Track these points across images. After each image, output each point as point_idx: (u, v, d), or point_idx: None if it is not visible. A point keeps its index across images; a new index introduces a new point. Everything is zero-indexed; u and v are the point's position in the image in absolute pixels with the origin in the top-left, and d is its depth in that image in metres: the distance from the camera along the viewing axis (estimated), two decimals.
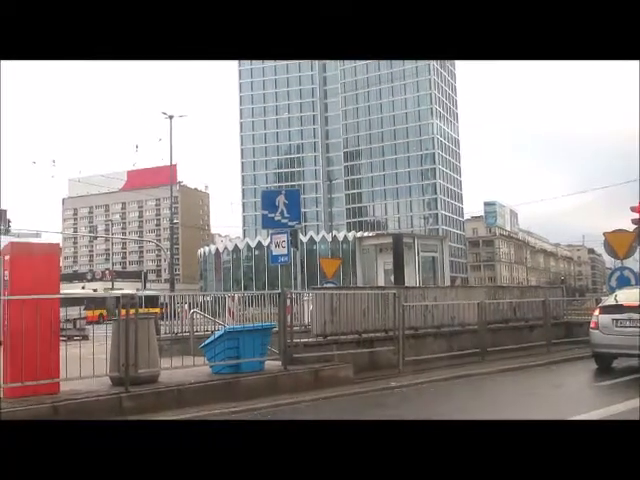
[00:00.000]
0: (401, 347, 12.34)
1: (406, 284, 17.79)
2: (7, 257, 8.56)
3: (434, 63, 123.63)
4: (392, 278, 19.64)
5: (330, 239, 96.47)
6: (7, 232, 59.70)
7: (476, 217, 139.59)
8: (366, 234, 67.83)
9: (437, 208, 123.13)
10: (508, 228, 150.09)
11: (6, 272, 8.52)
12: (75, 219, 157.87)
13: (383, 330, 13.03)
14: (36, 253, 8.75)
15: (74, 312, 26.26)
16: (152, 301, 25.41)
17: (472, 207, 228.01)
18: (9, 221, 68.10)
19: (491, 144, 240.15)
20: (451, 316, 14.77)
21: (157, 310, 28.65)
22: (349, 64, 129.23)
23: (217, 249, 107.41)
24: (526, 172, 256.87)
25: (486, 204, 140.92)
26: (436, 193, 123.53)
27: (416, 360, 12.54)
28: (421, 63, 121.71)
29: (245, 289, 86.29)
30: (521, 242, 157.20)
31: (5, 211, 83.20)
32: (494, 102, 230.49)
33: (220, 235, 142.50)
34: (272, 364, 10.66)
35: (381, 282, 20.55)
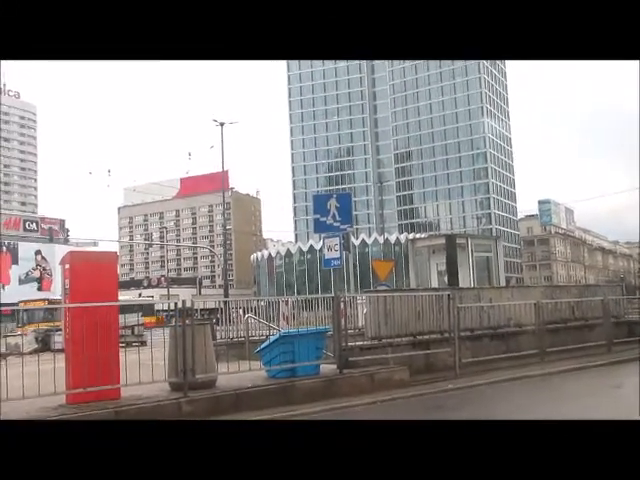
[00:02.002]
0: (457, 349, 12.19)
1: (460, 285, 17.58)
2: (67, 266, 8.78)
3: (484, 61, 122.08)
4: (446, 279, 19.42)
5: (382, 241, 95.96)
6: (66, 241, 61.35)
7: (530, 216, 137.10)
8: (418, 236, 67.35)
9: (490, 208, 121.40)
10: (564, 226, 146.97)
11: (67, 280, 8.73)
12: (131, 227, 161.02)
13: (438, 332, 12.90)
14: (95, 261, 8.96)
15: (132, 319, 26.76)
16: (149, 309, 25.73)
17: (526, 206, 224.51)
18: (68, 231, 70.02)
19: (545, 141, 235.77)
20: (507, 317, 14.53)
21: (153, 319, 28.96)
22: (397, 65, 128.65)
23: (270, 254, 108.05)
24: (582, 168, 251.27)
25: (540, 202, 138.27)
26: (489, 192, 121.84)
27: (473, 362, 12.36)
28: (470, 61, 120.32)
29: (298, 293, 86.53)
30: (578, 240, 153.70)
31: (64, 221, 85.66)
32: (546, 98, 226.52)
33: (272, 240, 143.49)
34: (327, 368, 10.66)
35: (435, 284, 20.33)
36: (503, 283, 23.13)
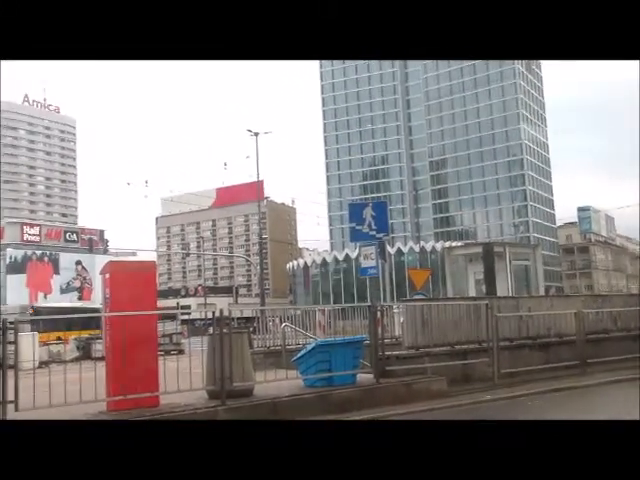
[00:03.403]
0: (495, 359, 12.05)
1: (498, 294, 17.41)
2: (107, 275, 8.92)
3: (519, 66, 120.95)
4: (483, 288, 19.28)
5: (418, 250, 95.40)
6: (105, 251, 62.18)
7: (569, 223, 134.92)
8: (455, 244, 66.82)
9: (527, 215, 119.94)
10: (604, 234, 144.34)
11: (107, 290, 8.87)
12: (168, 237, 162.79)
13: (476, 342, 12.78)
14: (134, 271, 9.09)
15: (171, 327, 27.06)
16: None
17: (565, 213, 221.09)
18: (107, 241, 70.96)
19: (583, 146, 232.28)
20: (547, 327, 14.31)
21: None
22: (432, 72, 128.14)
23: (305, 263, 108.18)
24: (622, 174, 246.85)
25: (580, 209, 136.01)
26: (526, 200, 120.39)
27: (512, 372, 12.20)
28: (505, 67, 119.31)
29: (334, 302, 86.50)
30: (619, 248, 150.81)
31: (103, 231, 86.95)
32: (583, 102, 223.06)
33: (308, 249, 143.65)
34: (364, 377, 10.63)
35: (472, 292, 20.20)
36: (542, 292, 22.85)
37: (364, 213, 14.61)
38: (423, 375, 11.14)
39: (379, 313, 11.48)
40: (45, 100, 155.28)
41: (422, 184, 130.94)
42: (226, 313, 9.35)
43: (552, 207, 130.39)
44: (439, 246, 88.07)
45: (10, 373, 7.64)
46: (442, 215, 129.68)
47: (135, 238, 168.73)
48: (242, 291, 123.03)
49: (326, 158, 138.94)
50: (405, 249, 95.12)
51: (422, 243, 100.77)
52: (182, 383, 8.63)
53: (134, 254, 65.46)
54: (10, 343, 7.89)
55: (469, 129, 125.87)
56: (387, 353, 11.22)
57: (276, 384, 9.76)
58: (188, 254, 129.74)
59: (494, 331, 12.28)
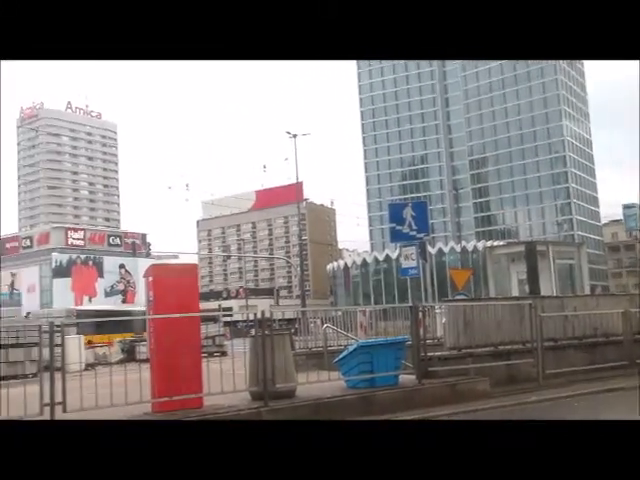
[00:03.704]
0: (540, 359, 11.88)
1: (542, 294, 17.16)
2: (151, 278, 9.04)
3: (561, 62, 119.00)
4: (526, 288, 19.02)
5: (459, 250, 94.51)
6: (148, 255, 63.05)
7: (615, 221, 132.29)
8: (496, 243, 66.00)
9: (571, 213, 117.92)
10: None
11: (151, 293, 8.99)
12: (209, 240, 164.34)
13: (520, 342, 12.61)
14: (177, 274, 9.18)
15: (213, 329, 27.30)
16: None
17: (609, 210, 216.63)
18: (149, 244, 71.99)
19: (627, 142, 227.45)
20: (593, 327, 14.03)
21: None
22: (470, 70, 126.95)
23: (345, 264, 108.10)
24: None
25: (625, 207, 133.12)
26: (569, 197, 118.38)
27: (557, 373, 12.01)
28: (546, 63, 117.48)
29: (375, 303, 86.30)
30: None
31: (145, 235, 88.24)
32: (625, 96, 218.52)
33: (348, 250, 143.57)
34: (407, 378, 10.58)
35: (515, 292, 19.95)
36: (587, 291, 22.42)
37: (404, 213, 14.52)
38: (466, 376, 11.03)
39: (421, 314, 11.42)
40: (87, 106, 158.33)
41: (462, 183, 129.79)
42: (268, 315, 9.39)
43: (596, 205, 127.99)
44: (480, 245, 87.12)
45: (57, 375, 7.80)
46: (483, 214, 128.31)
47: (176, 241, 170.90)
48: (283, 293, 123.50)
49: (365, 158, 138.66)
50: (446, 249, 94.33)
51: (463, 243, 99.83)
52: (225, 384, 8.71)
53: (176, 257, 66.13)
54: (57, 346, 8.04)
55: (510, 126, 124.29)
56: (429, 354, 11.14)
57: (318, 385, 9.78)
58: (229, 256, 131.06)
59: (538, 331, 12.10)
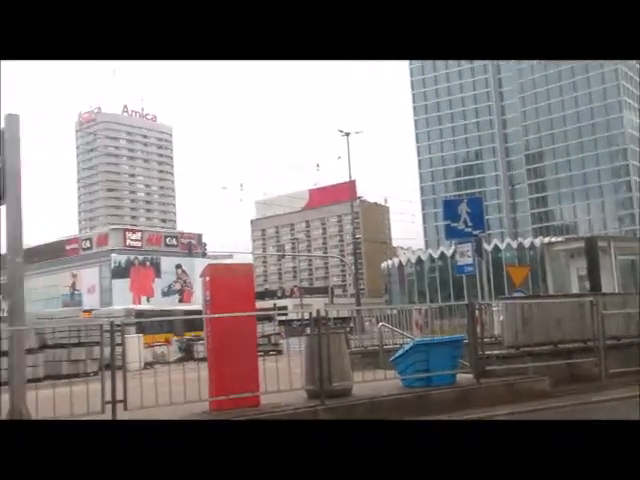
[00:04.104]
0: (602, 358, 11.57)
1: (603, 290, 16.72)
2: (208, 278, 9.16)
3: None
4: (587, 285, 18.58)
5: (515, 246, 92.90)
6: (204, 255, 63.89)
7: None
8: (555, 239, 64.67)
9: (633, 207, 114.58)
10: None
11: (207, 292, 9.11)
12: (263, 239, 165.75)
13: (581, 340, 12.31)
14: (233, 273, 9.28)
15: (269, 328, 27.51)
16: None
17: None
18: (205, 244, 72.93)
19: None
20: None
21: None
22: (526, 63, 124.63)
23: (400, 262, 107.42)
24: None
25: None
26: (631, 191, 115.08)
27: (621, 372, 11.66)
28: None
29: (430, 301, 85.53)
30: None
31: (201, 235, 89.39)
32: None
33: (402, 248, 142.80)
34: (464, 377, 10.45)
35: (574, 289, 19.52)
36: None
37: (459, 210, 14.35)
38: (525, 375, 10.84)
39: (477, 311, 11.26)
40: (143, 110, 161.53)
41: (518, 178, 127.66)
42: (323, 313, 9.40)
43: None
44: (538, 242, 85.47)
45: (118, 374, 7.97)
46: (540, 210, 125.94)
47: (231, 241, 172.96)
48: (337, 291, 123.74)
49: (418, 155, 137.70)
50: (502, 245, 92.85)
51: (520, 239, 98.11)
52: (282, 383, 8.75)
53: (231, 257, 66.92)
54: (117, 345, 8.21)
55: (567, 119, 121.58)
56: (487, 352, 10.98)
57: (374, 384, 9.74)
58: (283, 255, 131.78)
59: (600, 329, 11.80)
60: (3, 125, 8.59)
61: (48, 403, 7.68)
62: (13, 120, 8.62)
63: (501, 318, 12.97)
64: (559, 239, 57.76)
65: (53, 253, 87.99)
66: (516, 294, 20.67)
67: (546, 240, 66.70)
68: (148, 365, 18.20)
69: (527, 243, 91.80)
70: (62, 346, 18.35)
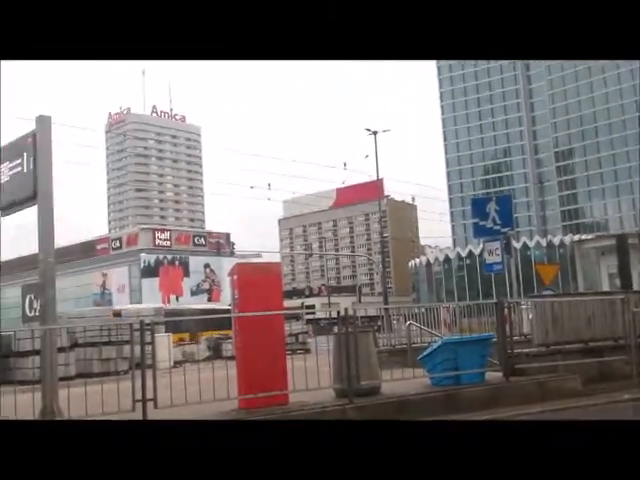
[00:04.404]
0: (633, 356, 11.41)
1: (634, 288, 16.50)
2: (235, 277, 9.22)
3: None
4: (617, 282, 18.35)
5: (545, 244, 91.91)
6: (232, 254, 64.21)
7: None
8: (585, 237, 63.89)
9: None
10: None
11: (235, 291, 9.16)
12: (291, 238, 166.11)
13: (612, 338, 12.16)
14: (261, 272, 9.33)
15: (297, 327, 27.55)
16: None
17: None
18: (233, 244, 73.32)
19: None
20: None
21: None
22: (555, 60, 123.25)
23: (428, 260, 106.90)
24: None
25: None
26: None
27: None
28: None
29: (458, 299, 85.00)
30: None
31: (229, 235, 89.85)
32: None
33: (430, 246, 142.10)
34: (493, 375, 10.38)
35: (605, 287, 19.30)
36: None
37: (487, 208, 14.25)
38: (555, 373, 10.74)
39: (506, 310, 11.18)
40: (171, 110, 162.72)
41: (547, 176, 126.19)
42: (351, 312, 9.41)
43: None
44: (568, 239, 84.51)
45: (148, 373, 8.05)
46: (570, 207, 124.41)
47: (259, 240, 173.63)
48: (365, 290, 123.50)
49: (446, 154, 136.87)
50: (531, 243, 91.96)
51: (549, 237, 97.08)
52: (310, 382, 8.77)
53: (259, 255, 67.16)
54: (147, 344, 8.29)
55: (597, 116, 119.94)
56: (516, 351, 10.90)
57: (403, 382, 9.72)
58: (311, 254, 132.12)
59: (631, 327, 11.63)
60: (35, 127, 8.75)
61: (80, 401, 7.80)
62: (45, 122, 8.77)
63: (530, 316, 12.86)
64: (589, 237, 57.02)
65: (84, 253, 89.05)
66: (546, 292, 20.48)
67: (576, 238, 65.83)
68: (177, 364, 18.34)
69: (557, 241, 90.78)
70: (93, 345, 18.58)
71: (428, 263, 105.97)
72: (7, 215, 9.40)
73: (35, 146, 8.57)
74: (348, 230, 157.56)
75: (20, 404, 7.76)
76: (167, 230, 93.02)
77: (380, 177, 48.24)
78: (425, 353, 10.48)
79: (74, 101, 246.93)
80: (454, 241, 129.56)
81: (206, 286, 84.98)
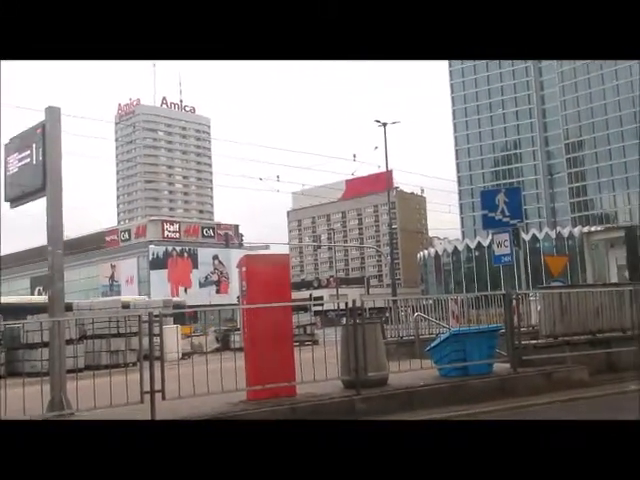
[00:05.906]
0: None
1: None
2: (244, 269, 9.24)
3: None
4: (626, 274, 18.31)
5: (554, 236, 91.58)
6: (240, 246, 64.35)
7: None
8: (594, 229, 63.61)
9: None
10: None
11: (244, 283, 9.19)
12: (299, 230, 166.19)
13: (620, 330, 12.15)
14: (269, 264, 9.36)
15: (305, 318, 27.56)
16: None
17: None
18: (242, 235, 73.49)
19: None
20: None
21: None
22: None
23: (436, 252, 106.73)
24: None
25: None
26: None
27: None
28: None
29: (466, 291, 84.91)
30: None
31: (238, 226, 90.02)
32: None
33: (438, 238, 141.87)
34: (500, 367, 10.40)
35: (613, 278, 19.25)
36: None
37: (497, 200, 14.18)
38: (563, 365, 10.74)
39: (514, 301, 11.18)
40: (181, 102, 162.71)
41: (557, 168, 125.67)
42: (359, 304, 9.42)
43: None
44: (577, 231, 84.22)
45: (156, 364, 8.08)
46: (579, 199, 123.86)
47: (268, 232, 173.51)
48: (373, 281, 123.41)
49: (456, 145, 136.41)
50: (540, 235, 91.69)
51: (558, 229, 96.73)
52: (317, 373, 8.79)
53: (267, 247, 67.23)
54: (155, 335, 8.32)
55: (608, 108, 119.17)
56: (524, 342, 10.91)
57: (410, 374, 9.74)
58: (319, 246, 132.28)
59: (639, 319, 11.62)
60: (44, 118, 8.78)
61: (88, 393, 7.84)
62: (54, 113, 8.80)
63: (538, 308, 12.85)
64: (598, 228, 56.78)
65: (93, 244, 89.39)
66: (554, 283, 20.43)
67: (585, 229, 65.61)
68: (186, 355, 18.39)
69: (566, 232, 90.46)
70: (101, 337, 18.64)
71: (437, 255, 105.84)
72: (16, 206, 9.45)
73: (44, 137, 8.60)
74: (357, 222, 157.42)
75: (29, 396, 7.80)
76: (176, 222, 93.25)
77: (389, 169, 48.18)
78: (433, 344, 10.50)
79: (84, 92, 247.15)
80: (463, 233, 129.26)
81: (214, 278, 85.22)
